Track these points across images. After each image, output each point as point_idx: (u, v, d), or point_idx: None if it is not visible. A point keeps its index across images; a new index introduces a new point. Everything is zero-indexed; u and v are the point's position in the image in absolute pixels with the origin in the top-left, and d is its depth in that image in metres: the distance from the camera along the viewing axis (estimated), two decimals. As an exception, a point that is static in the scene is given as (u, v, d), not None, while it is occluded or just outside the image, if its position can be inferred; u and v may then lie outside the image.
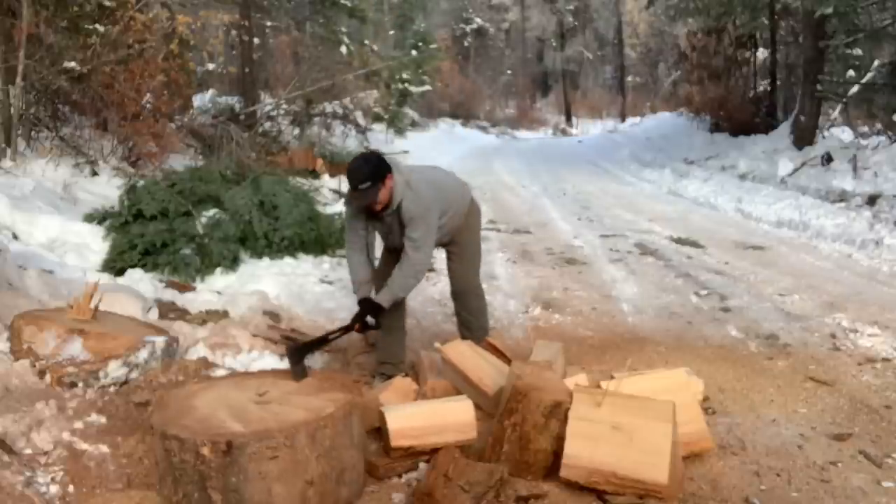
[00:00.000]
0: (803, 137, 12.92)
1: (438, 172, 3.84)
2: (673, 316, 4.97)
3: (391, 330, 3.74)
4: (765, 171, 12.25)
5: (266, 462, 2.28)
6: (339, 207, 7.97)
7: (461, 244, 3.75)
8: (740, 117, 16.30)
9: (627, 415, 2.58)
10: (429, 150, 17.82)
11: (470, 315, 3.83)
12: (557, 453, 2.61)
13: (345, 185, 10.30)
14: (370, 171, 3.27)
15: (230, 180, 6.30)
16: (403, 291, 3.46)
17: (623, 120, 32.46)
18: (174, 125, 9.19)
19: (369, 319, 3.43)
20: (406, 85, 20.46)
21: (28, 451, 2.60)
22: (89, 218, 5.67)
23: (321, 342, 3.37)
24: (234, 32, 12.98)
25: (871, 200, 8.93)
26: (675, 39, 27.09)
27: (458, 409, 2.84)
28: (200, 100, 12.46)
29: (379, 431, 2.90)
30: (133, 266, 5.04)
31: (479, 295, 3.88)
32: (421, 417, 2.82)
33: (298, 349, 3.16)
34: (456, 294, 3.84)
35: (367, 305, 3.43)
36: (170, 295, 4.68)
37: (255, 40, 13.61)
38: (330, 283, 5.48)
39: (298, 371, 2.97)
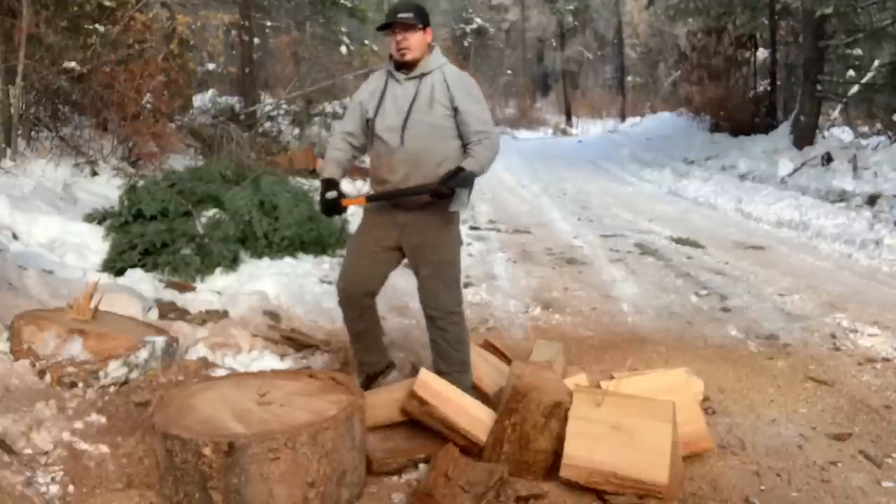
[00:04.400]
0: (803, 137, 12.94)
1: None
2: (673, 316, 4.97)
3: (360, 336, 3.36)
4: (765, 171, 12.26)
5: (267, 463, 2.28)
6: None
7: (439, 263, 3.13)
8: (740, 117, 16.32)
9: (627, 415, 2.58)
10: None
11: (448, 345, 3.18)
12: (557, 453, 2.61)
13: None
14: (418, 7, 3.00)
15: (230, 180, 6.29)
16: (485, 163, 2.99)
17: (623, 120, 32.43)
18: (174, 125, 9.19)
19: (457, 185, 2.93)
20: (406, 85, 20.40)
21: (28, 451, 2.60)
22: (89, 218, 5.67)
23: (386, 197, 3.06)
24: (234, 32, 12.97)
25: (871, 200, 8.94)
26: (675, 39, 27.10)
27: (482, 409, 2.88)
28: (200, 100, 12.46)
29: (384, 429, 2.89)
30: (133, 266, 5.04)
31: (458, 322, 3.19)
32: (450, 390, 2.86)
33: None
34: (430, 319, 3.19)
35: (455, 172, 2.92)
36: (170, 295, 4.68)
37: (255, 40, 13.61)
38: (330, 283, 5.47)
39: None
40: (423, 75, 3.02)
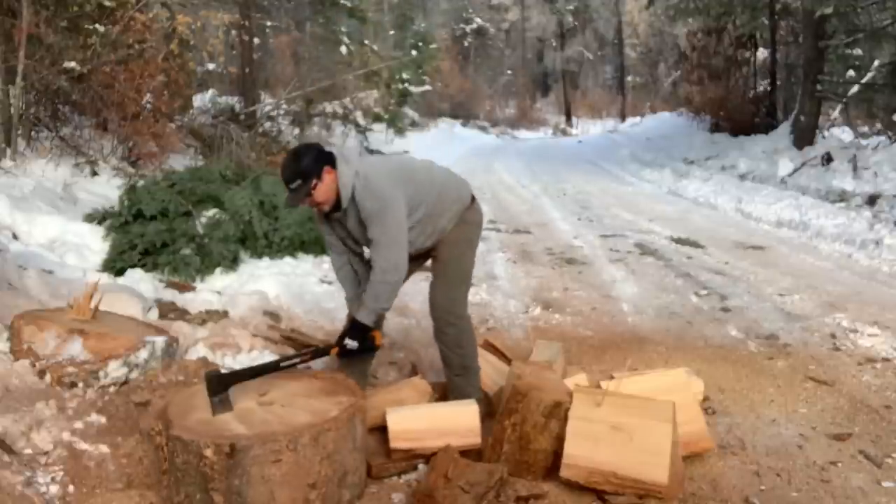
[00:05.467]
0: (803, 137, 12.94)
1: (414, 161, 3.36)
2: (673, 316, 4.97)
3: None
4: (765, 171, 12.26)
5: (269, 465, 2.28)
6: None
7: (442, 260, 3.16)
8: (740, 117, 16.33)
9: (627, 415, 2.58)
10: (429, 150, 17.80)
11: (446, 348, 3.17)
12: (557, 453, 2.61)
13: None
14: (301, 166, 2.81)
15: (230, 180, 6.30)
16: (379, 302, 2.91)
17: (623, 120, 32.48)
18: (174, 125, 9.19)
19: (349, 342, 2.93)
20: (406, 85, 20.46)
21: (28, 451, 2.60)
22: (89, 218, 5.67)
23: (268, 369, 2.80)
24: (234, 32, 12.98)
25: (871, 200, 8.94)
26: (675, 39, 27.11)
27: (463, 414, 2.82)
28: (200, 100, 12.45)
29: (383, 430, 2.89)
30: (133, 266, 5.04)
31: (461, 327, 3.16)
32: (424, 420, 2.79)
33: (224, 377, 2.63)
34: (433, 320, 3.21)
35: (349, 326, 2.97)
36: (170, 295, 4.68)
37: (255, 40, 13.61)
38: (330, 283, 5.48)
39: (217, 403, 2.51)
40: (345, 210, 2.95)
